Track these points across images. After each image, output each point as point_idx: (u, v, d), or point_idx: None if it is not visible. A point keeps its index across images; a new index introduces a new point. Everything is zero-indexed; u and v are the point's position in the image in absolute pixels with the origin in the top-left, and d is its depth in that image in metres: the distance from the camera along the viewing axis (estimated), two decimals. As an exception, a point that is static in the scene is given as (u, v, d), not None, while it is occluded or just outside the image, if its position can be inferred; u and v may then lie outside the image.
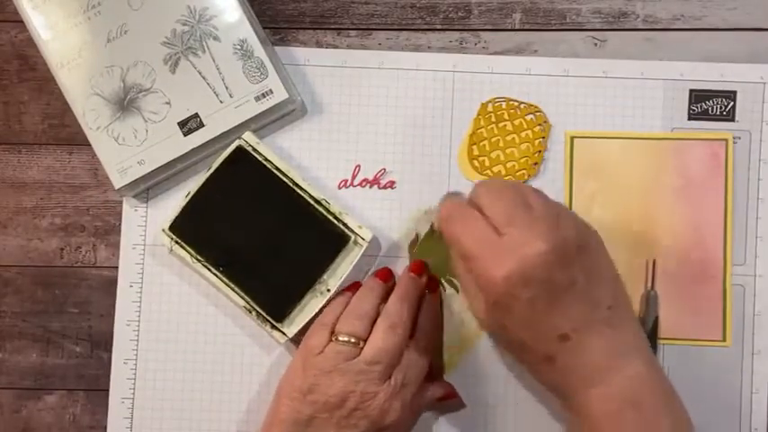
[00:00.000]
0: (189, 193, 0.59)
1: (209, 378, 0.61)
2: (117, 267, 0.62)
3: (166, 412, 0.61)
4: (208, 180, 0.59)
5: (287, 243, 0.59)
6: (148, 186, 0.61)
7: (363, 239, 0.59)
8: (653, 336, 0.59)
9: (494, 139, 0.61)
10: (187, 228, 0.59)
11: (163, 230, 0.59)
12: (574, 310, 0.49)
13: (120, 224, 0.62)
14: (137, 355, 0.61)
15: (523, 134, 0.61)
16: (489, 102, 0.61)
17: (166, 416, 0.61)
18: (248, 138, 0.59)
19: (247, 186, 0.59)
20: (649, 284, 0.60)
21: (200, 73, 0.59)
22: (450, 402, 0.59)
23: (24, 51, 0.63)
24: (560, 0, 0.62)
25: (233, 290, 0.59)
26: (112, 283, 0.62)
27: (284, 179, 0.59)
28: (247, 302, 0.58)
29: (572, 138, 0.61)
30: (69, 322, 0.62)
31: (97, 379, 0.62)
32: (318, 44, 0.62)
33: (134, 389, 0.61)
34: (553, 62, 0.62)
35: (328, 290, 0.59)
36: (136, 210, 0.62)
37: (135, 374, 0.61)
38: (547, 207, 0.50)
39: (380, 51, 0.62)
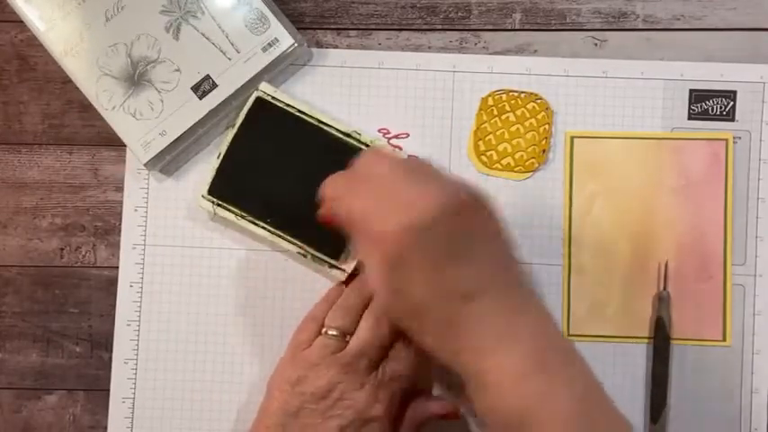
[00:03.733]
0: (219, 154, 0.59)
1: (210, 378, 0.61)
2: (117, 267, 0.62)
3: (167, 412, 0.61)
4: (235, 137, 0.59)
5: None
6: (173, 157, 0.61)
7: None
8: (666, 337, 0.59)
9: (498, 132, 0.61)
10: (225, 188, 0.59)
11: (202, 196, 0.59)
12: (476, 268, 0.47)
13: (120, 224, 0.62)
14: (137, 354, 0.61)
15: (527, 123, 0.61)
16: (489, 96, 0.61)
17: (167, 416, 0.61)
18: (265, 88, 0.60)
19: (275, 134, 0.59)
20: (661, 285, 0.60)
21: (203, 35, 0.59)
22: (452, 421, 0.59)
23: (24, 51, 0.63)
24: (560, 0, 0.62)
25: (284, 239, 0.59)
26: (112, 283, 0.62)
27: (310, 120, 0.59)
28: (301, 248, 0.59)
29: (572, 138, 0.61)
30: (69, 322, 0.62)
31: (97, 379, 0.62)
32: (318, 44, 0.62)
33: (134, 389, 0.61)
34: (553, 62, 0.62)
35: None
36: (136, 210, 0.62)
37: (135, 374, 0.61)
38: (439, 172, 0.50)
39: (380, 51, 0.62)
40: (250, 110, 0.59)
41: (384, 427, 0.55)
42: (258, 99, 0.59)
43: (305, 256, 0.59)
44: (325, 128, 0.59)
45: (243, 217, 0.59)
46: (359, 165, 0.51)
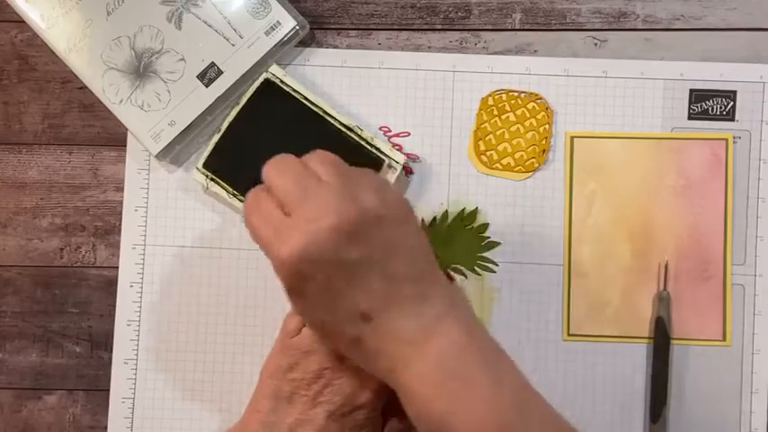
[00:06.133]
0: (220, 130, 0.60)
1: (209, 378, 0.61)
2: (117, 267, 0.62)
3: (166, 412, 0.61)
4: (238, 114, 0.60)
5: None
6: (183, 147, 0.61)
7: (397, 162, 0.59)
8: (666, 337, 0.59)
9: (498, 132, 0.61)
10: (221, 164, 0.59)
11: (197, 168, 0.60)
12: (373, 287, 0.45)
13: (120, 224, 0.62)
14: (137, 354, 0.61)
15: (527, 123, 0.61)
16: (489, 95, 0.61)
17: (166, 416, 0.61)
18: (275, 70, 0.60)
19: (278, 118, 0.60)
20: (661, 285, 0.60)
21: (205, 22, 0.59)
22: None
23: (24, 51, 0.63)
24: (560, 0, 0.62)
25: None
26: (112, 283, 0.62)
27: (314, 108, 0.59)
28: None
29: (572, 138, 0.61)
30: (69, 322, 0.62)
31: (97, 379, 0.62)
32: (318, 44, 0.62)
33: (134, 389, 0.61)
34: (553, 62, 0.62)
35: None
36: (136, 210, 0.62)
37: (135, 374, 0.61)
38: (340, 177, 0.47)
39: (380, 51, 0.62)
40: (257, 90, 0.60)
41: (372, 416, 0.55)
42: (266, 80, 0.60)
43: None
44: (329, 119, 0.59)
45: (234, 195, 0.59)
46: (264, 175, 0.48)
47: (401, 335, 0.46)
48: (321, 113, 0.59)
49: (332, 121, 0.59)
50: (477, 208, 0.61)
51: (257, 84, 0.59)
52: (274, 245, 0.45)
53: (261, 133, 0.59)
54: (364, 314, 0.46)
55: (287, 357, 0.55)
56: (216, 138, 0.59)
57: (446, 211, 0.61)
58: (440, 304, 0.47)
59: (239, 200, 0.59)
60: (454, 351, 0.46)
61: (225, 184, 0.59)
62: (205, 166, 0.59)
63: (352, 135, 0.59)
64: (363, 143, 0.59)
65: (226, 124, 0.59)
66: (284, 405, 0.54)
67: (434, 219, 0.61)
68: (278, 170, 0.48)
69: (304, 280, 0.45)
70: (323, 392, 0.54)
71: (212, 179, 0.59)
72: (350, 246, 0.45)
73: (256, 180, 0.59)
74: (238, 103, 0.60)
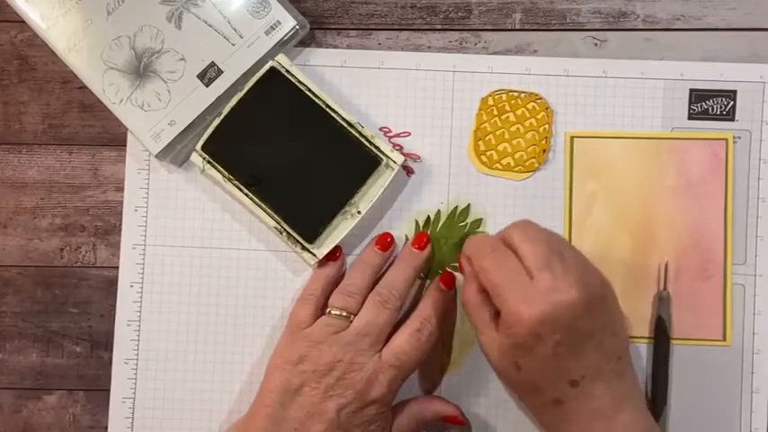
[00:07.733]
0: (221, 114, 0.59)
1: (210, 378, 0.61)
2: (117, 267, 0.62)
3: (167, 412, 0.61)
4: (241, 101, 0.59)
5: (319, 165, 0.59)
6: (183, 147, 0.61)
7: (395, 162, 0.59)
8: (666, 337, 0.59)
9: (498, 132, 0.61)
10: (219, 147, 0.59)
11: (195, 150, 0.59)
12: (588, 359, 0.51)
13: (120, 224, 0.62)
14: (137, 354, 0.61)
15: (527, 123, 0.61)
16: (489, 95, 0.61)
17: (167, 416, 0.61)
18: (281, 60, 0.60)
19: (280, 107, 0.59)
20: (662, 285, 0.60)
21: (205, 22, 0.59)
22: (455, 425, 0.59)
23: (24, 51, 0.63)
24: (560, 0, 0.62)
25: (264, 210, 0.59)
26: (112, 283, 0.62)
27: (317, 101, 0.59)
28: (278, 223, 0.59)
29: (572, 138, 0.61)
30: (69, 322, 0.62)
31: (97, 379, 0.62)
32: (318, 44, 0.62)
33: (135, 389, 0.61)
34: (553, 62, 0.62)
35: (359, 212, 0.59)
36: (136, 210, 0.62)
37: (136, 374, 0.61)
38: (577, 258, 0.53)
39: (380, 51, 0.62)
40: (261, 77, 0.59)
41: (382, 411, 0.55)
42: (271, 69, 0.60)
43: (281, 232, 0.59)
44: (331, 113, 0.59)
45: (229, 180, 0.59)
46: (510, 235, 0.53)
47: (597, 404, 0.51)
48: (323, 107, 0.59)
49: (333, 115, 0.59)
50: (469, 204, 0.61)
51: (263, 71, 0.59)
52: (518, 301, 0.50)
53: (261, 121, 0.59)
54: (574, 381, 0.51)
55: (297, 349, 0.55)
56: (217, 121, 0.59)
57: (438, 210, 0.61)
58: (631, 384, 0.53)
59: (234, 184, 0.59)
60: (636, 428, 0.52)
61: (221, 168, 0.59)
62: (203, 148, 0.59)
63: (353, 131, 0.59)
64: (363, 140, 0.59)
65: (227, 109, 0.59)
66: (293, 398, 0.54)
67: (428, 219, 0.61)
68: (529, 235, 0.52)
69: (538, 340, 0.50)
70: (335, 386, 0.54)
71: (209, 162, 0.59)
72: (583, 319, 0.50)
73: (253, 166, 0.59)
74: (242, 89, 0.60)
